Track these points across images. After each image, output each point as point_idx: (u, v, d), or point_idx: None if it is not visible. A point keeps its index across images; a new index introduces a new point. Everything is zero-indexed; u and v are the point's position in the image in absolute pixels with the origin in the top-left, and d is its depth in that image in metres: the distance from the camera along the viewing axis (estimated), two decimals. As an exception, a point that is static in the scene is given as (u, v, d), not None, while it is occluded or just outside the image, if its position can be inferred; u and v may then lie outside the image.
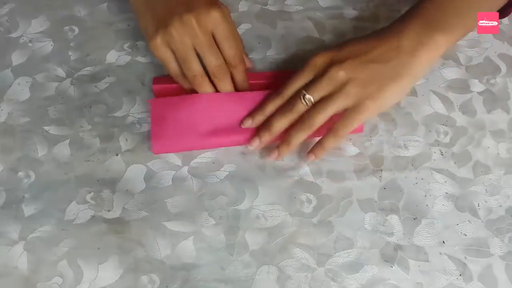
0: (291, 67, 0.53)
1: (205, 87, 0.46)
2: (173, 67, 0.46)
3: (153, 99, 0.48)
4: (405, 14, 0.45)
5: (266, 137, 0.45)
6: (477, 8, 0.45)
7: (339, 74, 0.43)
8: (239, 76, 0.47)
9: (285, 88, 0.45)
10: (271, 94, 0.46)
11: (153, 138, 0.46)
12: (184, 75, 0.47)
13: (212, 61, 0.45)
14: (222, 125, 0.47)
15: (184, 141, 0.47)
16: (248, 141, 0.46)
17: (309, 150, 0.46)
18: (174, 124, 0.47)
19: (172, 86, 0.49)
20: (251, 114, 0.47)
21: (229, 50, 0.45)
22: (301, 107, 0.44)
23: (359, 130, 0.47)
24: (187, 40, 0.44)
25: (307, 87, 0.44)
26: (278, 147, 0.46)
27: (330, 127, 0.45)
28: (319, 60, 0.45)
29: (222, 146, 0.47)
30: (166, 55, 0.45)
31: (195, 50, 0.45)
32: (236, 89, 0.48)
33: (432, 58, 0.44)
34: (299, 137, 0.45)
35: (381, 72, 0.43)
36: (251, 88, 0.49)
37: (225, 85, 0.46)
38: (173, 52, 0.45)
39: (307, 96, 0.44)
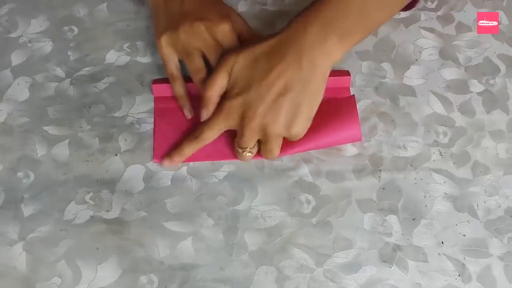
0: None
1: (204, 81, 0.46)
2: (170, 67, 0.48)
3: (157, 109, 0.49)
4: (301, 18, 0.43)
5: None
6: (377, 10, 0.43)
7: (256, 126, 0.42)
8: None
9: (203, 133, 0.44)
10: (189, 136, 0.45)
11: (156, 147, 0.47)
12: (178, 78, 0.48)
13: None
14: (224, 139, 0.47)
15: None
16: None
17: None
18: (178, 135, 0.47)
19: (171, 86, 0.49)
20: (173, 156, 0.46)
21: None
22: (247, 157, 0.45)
23: (358, 139, 0.47)
24: (194, 43, 0.45)
25: (240, 143, 0.44)
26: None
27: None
28: (232, 112, 0.43)
29: (223, 160, 0.47)
30: (168, 54, 0.47)
31: (203, 54, 0.46)
32: None
33: (330, 66, 0.42)
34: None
35: (292, 100, 0.41)
36: None
37: None
38: (177, 53, 0.47)
39: (248, 151, 0.44)
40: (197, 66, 0.46)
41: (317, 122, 0.46)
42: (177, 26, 0.45)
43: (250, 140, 0.43)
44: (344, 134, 0.46)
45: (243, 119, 0.42)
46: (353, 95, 0.48)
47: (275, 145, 0.44)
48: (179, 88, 0.48)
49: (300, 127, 0.43)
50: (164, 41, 0.46)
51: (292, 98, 0.41)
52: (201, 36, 0.45)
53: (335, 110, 0.47)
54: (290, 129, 0.42)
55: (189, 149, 0.45)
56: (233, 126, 0.43)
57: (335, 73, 0.49)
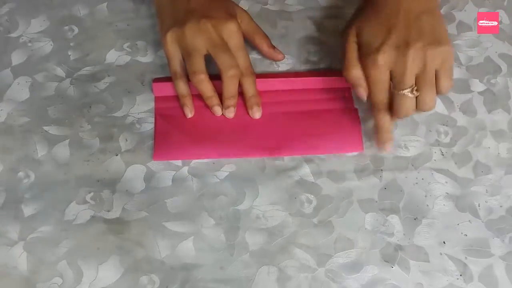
0: (291, 67, 0.52)
1: (204, 85, 0.46)
2: (174, 65, 0.47)
3: (157, 108, 0.49)
4: None
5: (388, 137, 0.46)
6: None
7: (414, 53, 0.41)
8: (248, 87, 0.48)
9: (378, 99, 0.44)
10: (374, 116, 0.45)
11: (156, 146, 0.47)
12: (181, 76, 0.47)
13: (226, 59, 0.45)
14: (226, 137, 0.47)
15: (187, 151, 0.47)
16: (251, 153, 0.47)
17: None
18: (178, 134, 0.47)
19: (172, 84, 0.49)
20: (380, 139, 0.45)
21: (243, 59, 0.46)
22: (412, 103, 0.43)
23: (360, 149, 0.47)
24: (199, 42, 0.45)
25: (403, 82, 0.42)
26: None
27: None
28: (385, 58, 0.42)
29: (225, 157, 0.47)
30: (172, 51, 0.46)
31: (207, 53, 0.45)
32: (245, 100, 0.48)
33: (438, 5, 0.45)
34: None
35: (430, 18, 0.43)
36: (261, 96, 0.49)
37: (233, 85, 0.46)
38: (181, 50, 0.46)
39: (410, 91, 0.42)
40: (197, 67, 0.45)
41: (320, 132, 0.47)
42: (183, 23, 0.45)
43: (411, 72, 0.42)
44: (346, 148, 0.47)
45: (398, 56, 0.42)
46: (356, 108, 0.49)
47: (433, 87, 0.42)
48: (182, 86, 0.48)
49: (448, 45, 0.42)
50: (170, 38, 0.46)
51: (429, 16, 0.42)
52: (207, 34, 0.45)
53: (338, 121, 0.48)
54: (439, 45, 0.42)
55: (386, 122, 0.45)
56: (393, 69, 0.42)
57: (336, 73, 0.49)
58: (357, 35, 0.44)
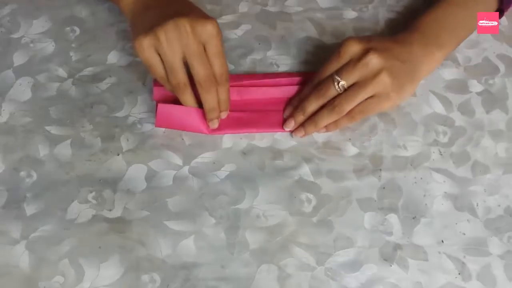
0: (291, 68, 0.53)
1: (187, 96, 0.45)
2: (159, 71, 0.45)
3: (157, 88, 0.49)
4: (408, 28, 0.49)
5: (301, 119, 0.48)
6: (467, 21, 0.50)
7: (376, 61, 0.44)
8: (222, 95, 0.46)
9: (318, 74, 0.47)
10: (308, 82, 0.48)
11: (159, 110, 0.47)
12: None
13: (201, 71, 0.43)
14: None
15: (189, 119, 0.48)
16: (246, 129, 0.48)
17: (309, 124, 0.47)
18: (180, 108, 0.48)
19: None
20: (290, 101, 0.49)
21: (219, 67, 0.44)
22: (333, 92, 0.46)
23: None
24: (177, 47, 0.42)
25: (340, 72, 0.45)
26: (304, 125, 0.48)
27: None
28: (354, 46, 0.45)
29: (224, 133, 0.48)
30: (152, 59, 0.44)
31: (183, 58, 0.44)
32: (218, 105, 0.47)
33: (431, 69, 0.49)
34: (327, 120, 0.47)
35: (402, 69, 0.46)
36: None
37: (211, 97, 0.45)
38: (160, 57, 0.44)
39: (341, 82, 0.45)
40: (179, 79, 0.44)
41: None
42: (160, 26, 0.42)
43: (356, 73, 0.45)
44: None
45: (366, 53, 0.45)
46: None
47: (360, 97, 0.45)
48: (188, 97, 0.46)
49: (396, 95, 0.46)
50: (146, 44, 0.42)
51: (403, 67, 0.46)
52: (185, 38, 0.42)
53: None
54: (390, 87, 0.45)
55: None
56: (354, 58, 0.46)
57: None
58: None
